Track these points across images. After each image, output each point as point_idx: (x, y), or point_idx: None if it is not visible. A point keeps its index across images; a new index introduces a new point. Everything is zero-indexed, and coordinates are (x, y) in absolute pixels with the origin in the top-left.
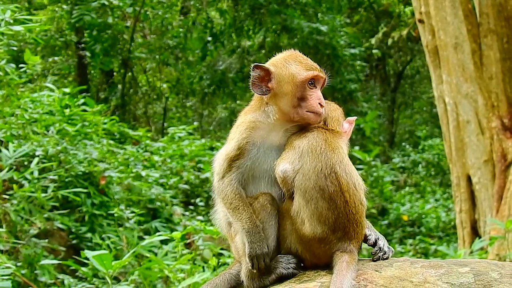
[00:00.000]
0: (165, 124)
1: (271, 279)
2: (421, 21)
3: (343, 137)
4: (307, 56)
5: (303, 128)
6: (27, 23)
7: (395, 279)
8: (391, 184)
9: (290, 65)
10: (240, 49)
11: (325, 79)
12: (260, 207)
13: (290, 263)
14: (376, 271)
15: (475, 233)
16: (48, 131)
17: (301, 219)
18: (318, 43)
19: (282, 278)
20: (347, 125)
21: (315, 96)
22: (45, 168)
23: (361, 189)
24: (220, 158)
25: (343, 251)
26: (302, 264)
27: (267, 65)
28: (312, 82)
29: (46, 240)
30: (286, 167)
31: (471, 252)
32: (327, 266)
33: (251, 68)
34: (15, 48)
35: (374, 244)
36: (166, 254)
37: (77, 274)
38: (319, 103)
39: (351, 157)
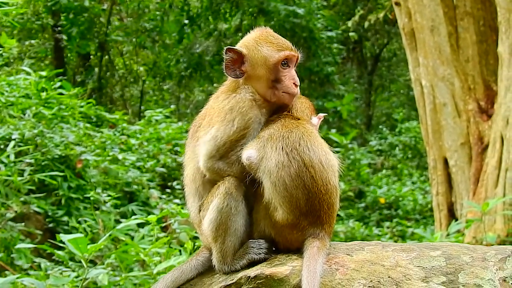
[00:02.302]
0: (142, 107)
1: (242, 264)
2: (397, 3)
3: (306, 122)
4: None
5: (277, 109)
6: (3, 7)
7: (367, 262)
8: (368, 167)
9: (262, 47)
10: (217, 32)
11: (298, 56)
12: (224, 191)
13: (261, 248)
14: (348, 254)
15: (452, 215)
16: (24, 114)
17: (273, 205)
18: (295, 26)
19: (254, 263)
20: (316, 120)
21: (289, 76)
22: (22, 152)
23: (329, 167)
24: (215, 141)
25: (315, 237)
26: (274, 248)
27: (239, 48)
28: (285, 62)
29: (23, 224)
30: (250, 153)
31: (448, 235)
32: (299, 250)
33: (224, 51)
34: None
35: None
36: (142, 238)
37: (53, 257)
38: (294, 83)
39: (328, 139)
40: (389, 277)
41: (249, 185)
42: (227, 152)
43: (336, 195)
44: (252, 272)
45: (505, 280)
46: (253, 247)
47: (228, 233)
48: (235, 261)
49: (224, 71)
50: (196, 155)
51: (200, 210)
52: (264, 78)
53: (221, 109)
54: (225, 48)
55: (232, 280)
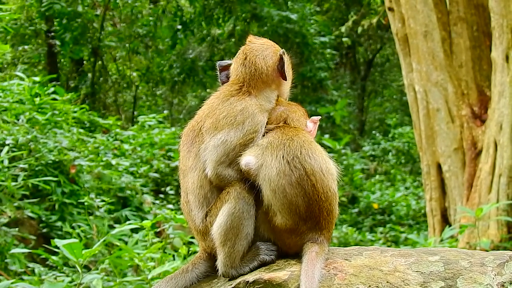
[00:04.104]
0: (135, 113)
1: (252, 266)
2: (391, 9)
3: (304, 131)
4: (277, 44)
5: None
6: None
7: (365, 267)
8: (361, 172)
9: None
10: (210, 37)
11: None
12: (237, 195)
13: (271, 249)
14: (346, 259)
15: (445, 221)
16: (18, 120)
17: (273, 211)
18: (288, 32)
19: (262, 265)
20: (312, 125)
21: None
22: (15, 157)
23: (329, 175)
24: (225, 146)
25: (314, 242)
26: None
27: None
28: None
29: (16, 229)
30: (248, 160)
31: (441, 240)
32: (297, 255)
33: (283, 53)
34: None
35: None
36: (136, 243)
37: (47, 262)
38: None
39: (321, 145)
40: (387, 282)
41: (250, 191)
42: (236, 158)
43: (335, 202)
44: (250, 277)
45: (503, 286)
46: (262, 248)
47: (239, 237)
48: (244, 264)
49: (286, 75)
50: (202, 161)
51: (207, 216)
52: (291, 78)
53: (229, 111)
54: (282, 50)
55: (231, 285)
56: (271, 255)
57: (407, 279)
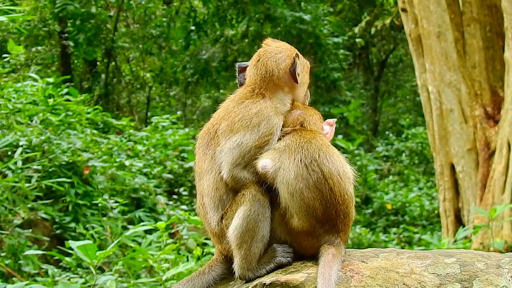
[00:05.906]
0: (149, 114)
1: (269, 268)
2: (404, 9)
3: (321, 134)
4: (291, 45)
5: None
6: (10, 13)
7: (382, 269)
8: (375, 172)
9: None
10: (223, 38)
11: None
12: (252, 197)
13: (288, 251)
14: (362, 262)
15: (459, 221)
16: (31, 121)
17: (290, 213)
18: (301, 32)
19: (279, 268)
20: (328, 127)
21: None
22: (29, 158)
23: (346, 178)
24: (241, 148)
25: (330, 244)
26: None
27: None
28: None
29: (30, 230)
30: (265, 162)
31: (455, 241)
32: (313, 257)
33: (296, 56)
34: None
35: None
36: (150, 244)
37: (61, 264)
38: None
39: (334, 146)
40: (404, 284)
41: (265, 193)
42: (252, 160)
43: (352, 205)
44: (267, 279)
45: None
46: (279, 250)
47: (255, 239)
48: (261, 266)
49: (297, 77)
50: (218, 163)
51: (222, 219)
52: (306, 84)
53: (245, 114)
54: (295, 52)
55: (248, 287)
56: (287, 257)
57: (423, 281)
